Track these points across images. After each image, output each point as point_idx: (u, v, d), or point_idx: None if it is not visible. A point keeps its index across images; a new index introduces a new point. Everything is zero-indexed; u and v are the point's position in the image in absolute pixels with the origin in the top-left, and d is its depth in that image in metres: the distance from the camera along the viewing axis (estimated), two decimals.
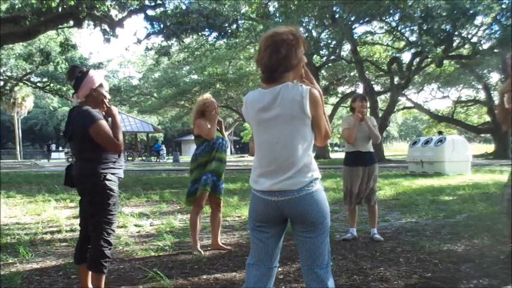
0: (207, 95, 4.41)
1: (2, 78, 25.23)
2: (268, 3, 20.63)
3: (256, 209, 2.03)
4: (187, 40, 22.91)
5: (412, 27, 19.87)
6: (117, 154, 2.85)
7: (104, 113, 2.86)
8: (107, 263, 2.79)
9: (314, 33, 22.24)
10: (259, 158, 2.04)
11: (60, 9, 12.60)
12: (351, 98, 5.11)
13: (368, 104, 4.72)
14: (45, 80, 26.21)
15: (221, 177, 4.25)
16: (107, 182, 2.75)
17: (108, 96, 2.91)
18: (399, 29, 20.94)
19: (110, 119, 2.86)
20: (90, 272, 2.86)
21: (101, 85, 2.87)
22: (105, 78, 3.00)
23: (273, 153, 1.98)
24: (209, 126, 4.13)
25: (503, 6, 17.53)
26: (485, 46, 20.21)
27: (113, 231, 2.83)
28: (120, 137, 2.81)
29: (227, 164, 4.41)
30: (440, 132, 30.86)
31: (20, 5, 13.26)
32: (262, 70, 2.02)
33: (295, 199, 1.94)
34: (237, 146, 58.47)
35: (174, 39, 16.30)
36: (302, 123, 1.96)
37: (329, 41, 22.25)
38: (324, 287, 1.98)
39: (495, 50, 18.75)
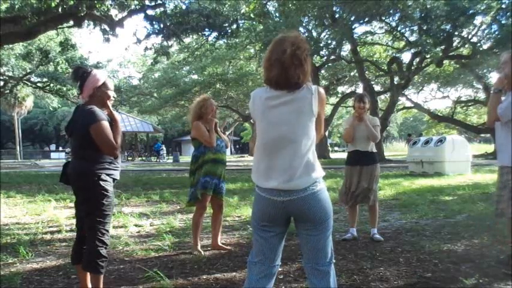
0: (206, 96, 4.36)
1: (2, 78, 25.21)
2: (268, 3, 20.60)
3: (261, 209, 2.03)
4: (187, 40, 22.87)
5: (411, 27, 19.85)
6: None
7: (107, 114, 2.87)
8: (103, 263, 2.78)
9: (314, 33, 22.22)
10: (264, 156, 2.02)
11: (60, 9, 12.60)
12: (354, 98, 5.09)
13: (367, 104, 4.69)
14: (45, 80, 26.19)
15: (221, 178, 4.23)
16: (101, 182, 2.75)
17: (114, 95, 2.93)
18: (399, 29, 20.92)
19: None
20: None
21: (104, 84, 2.88)
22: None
23: (279, 152, 1.97)
24: (209, 133, 4.08)
25: (503, 6, 17.52)
26: (485, 46, 20.20)
27: (107, 231, 2.82)
28: (119, 141, 2.81)
29: (227, 164, 4.40)
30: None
31: (20, 5, 13.23)
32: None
33: (301, 198, 1.95)
34: (237, 146, 58.44)
35: (174, 39, 16.28)
36: (309, 120, 1.98)
37: (329, 41, 22.22)
38: (327, 284, 1.99)
39: (495, 50, 18.74)
